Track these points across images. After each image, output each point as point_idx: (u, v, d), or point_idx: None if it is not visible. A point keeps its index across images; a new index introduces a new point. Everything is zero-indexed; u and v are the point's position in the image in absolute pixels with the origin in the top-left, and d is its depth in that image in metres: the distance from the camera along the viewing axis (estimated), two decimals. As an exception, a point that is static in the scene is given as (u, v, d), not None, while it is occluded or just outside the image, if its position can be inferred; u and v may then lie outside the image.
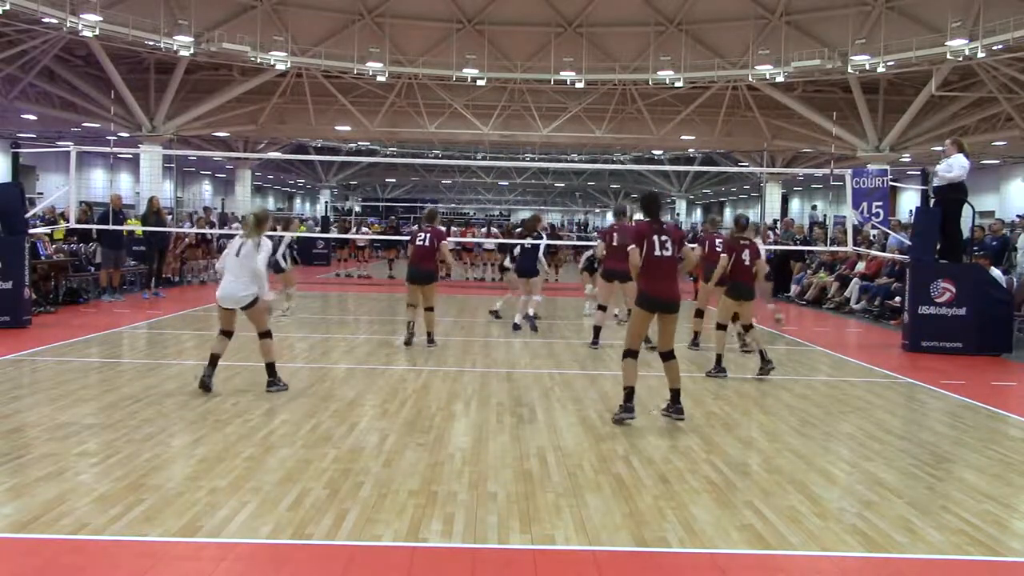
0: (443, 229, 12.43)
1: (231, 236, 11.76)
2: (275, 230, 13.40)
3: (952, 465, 5.89)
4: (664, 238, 6.79)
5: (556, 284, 22.89)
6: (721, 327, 9.23)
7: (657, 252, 6.74)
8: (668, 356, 6.85)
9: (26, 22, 24.84)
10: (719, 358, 9.18)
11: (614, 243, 10.73)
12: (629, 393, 6.75)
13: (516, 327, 12.49)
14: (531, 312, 12.73)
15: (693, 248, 9.39)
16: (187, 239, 19.78)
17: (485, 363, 9.71)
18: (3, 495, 4.67)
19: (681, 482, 5.27)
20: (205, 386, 7.45)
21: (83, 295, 15.01)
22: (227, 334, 7.69)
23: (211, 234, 21.70)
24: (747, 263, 9.11)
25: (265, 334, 7.70)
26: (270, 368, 7.71)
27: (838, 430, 6.86)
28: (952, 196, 11.64)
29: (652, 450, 6.00)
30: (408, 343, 10.66)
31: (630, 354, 6.81)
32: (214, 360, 7.56)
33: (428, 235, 10.82)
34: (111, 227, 15.11)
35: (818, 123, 31.59)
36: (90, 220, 16.77)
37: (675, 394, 6.87)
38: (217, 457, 5.50)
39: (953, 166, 11.51)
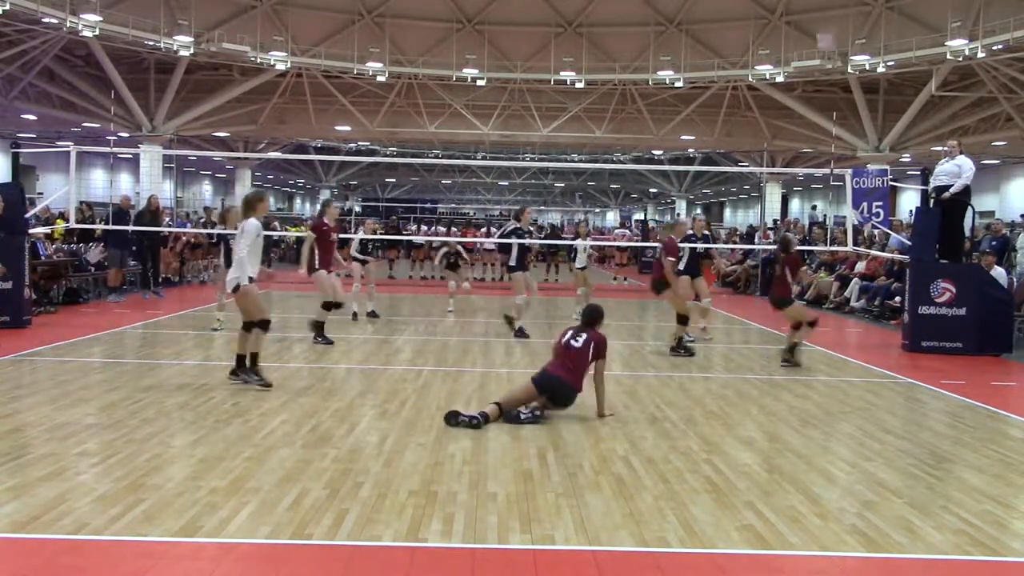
0: None
1: (230, 236, 11.77)
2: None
3: (952, 465, 5.89)
4: None
5: (555, 284, 22.88)
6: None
7: None
8: None
9: (26, 22, 24.84)
10: None
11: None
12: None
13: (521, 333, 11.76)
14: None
15: None
16: (184, 238, 19.69)
17: (485, 363, 9.70)
18: (3, 495, 4.66)
19: (681, 482, 5.26)
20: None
21: (83, 295, 15.01)
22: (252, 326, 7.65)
23: (213, 234, 21.55)
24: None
25: (247, 325, 7.60)
26: (240, 360, 7.69)
27: (838, 430, 6.86)
28: (956, 197, 11.63)
29: (652, 450, 6.00)
30: None
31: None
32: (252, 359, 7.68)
33: None
34: (111, 227, 15.13)
35: (818, 123, 31.59)
36: (91, 220, 16.75)
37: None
38: (217, 457, 5.49)
39: (963, 168, 11.50)
